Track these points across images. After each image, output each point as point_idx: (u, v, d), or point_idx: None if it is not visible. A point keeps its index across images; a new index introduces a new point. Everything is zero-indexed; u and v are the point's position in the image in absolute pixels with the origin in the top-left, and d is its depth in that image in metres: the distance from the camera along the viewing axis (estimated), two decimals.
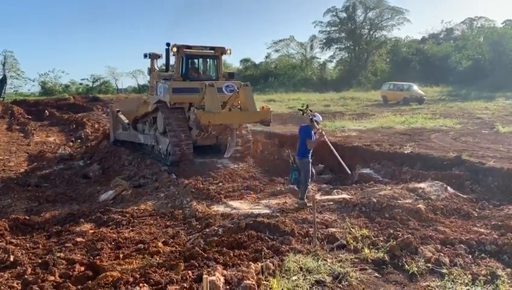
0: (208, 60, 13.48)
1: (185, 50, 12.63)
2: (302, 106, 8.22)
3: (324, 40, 63.30)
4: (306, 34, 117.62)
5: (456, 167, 9.19)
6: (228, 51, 13.18)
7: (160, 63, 14.14)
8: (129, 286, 4.44)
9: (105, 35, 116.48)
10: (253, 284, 4.15)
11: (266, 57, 69.46)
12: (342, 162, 8.08)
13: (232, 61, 66.13)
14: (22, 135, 22.17)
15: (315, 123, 7.73)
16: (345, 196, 8.04)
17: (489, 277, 4.44)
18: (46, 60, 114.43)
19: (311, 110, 8.03)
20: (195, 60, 13.41)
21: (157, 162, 12.53)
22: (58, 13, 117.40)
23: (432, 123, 17.20)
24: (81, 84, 64.70)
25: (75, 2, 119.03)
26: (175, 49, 12.48)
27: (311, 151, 7.68)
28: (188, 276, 4.53)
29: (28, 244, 6.46)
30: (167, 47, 12.67)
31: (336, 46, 63.09)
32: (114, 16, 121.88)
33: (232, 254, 5.20)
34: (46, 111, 31.95)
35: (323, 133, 7.90)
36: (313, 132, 7.73)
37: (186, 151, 11.84)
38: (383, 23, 60.26)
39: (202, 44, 13.00)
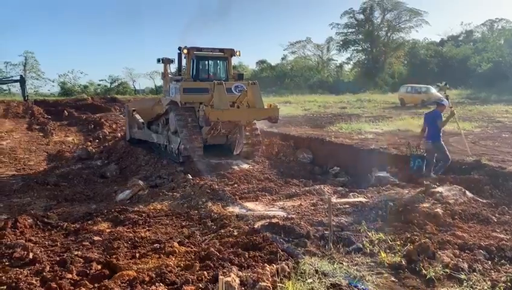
0: (218, 61, 13.86)
1: (195, 52, 13.07)
2: (441, 83, 9.14)
3: (341, 42, 63.02)
4: (323, 36, 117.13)
5: (475, 171, 9.03)
6: (237, 53, 13.56)
7: (173, 67, 14.64)
8: (145, 285, 4.47)
9: (124, 36, 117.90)
10: (269, 286, 4.14)
11: (282, 59, 69.52)
12: (465, 142, 9.47)
13: (248, 62, 66.46)
14: (42, 134, 22.58)
15: (445, 105, 9.01)
16: (361, 199, 7.97)
17: (509, 284, 4.35)
18: (65, 61, 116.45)
19: (448, 88, 8.75)
20: (205, 62, 13.80)
21: (173, 162, 12.66)
22: (78, 15, 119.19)
23: (450, 126, 16.91)
24: (99, 85, 65.72)
25: (94, 4, 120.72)
26: (185, 51, 12.93)
27: (441, 134, 8.73)
28: (203, 276, 4.54)
29: (46, 242, 6.55)
30: (179, 51, 13.12)
31: (352, 47, 62.77)
32: (132, 17, 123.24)
33: (247, 255, 5.19)
34: (65, 111, 32.48)
35: (455, 111, 9.21)
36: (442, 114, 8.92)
37: (197, 149, 12.15)
38: (401, 25, 59.67)
39: (212, 46, 13.43)
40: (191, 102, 12.70)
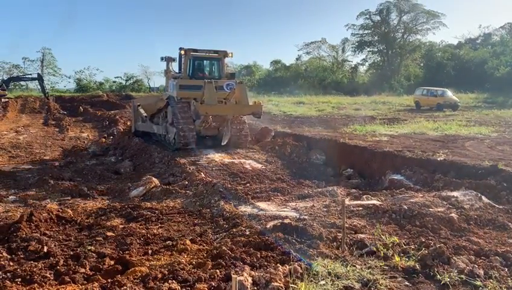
0: (213, 61, 15.50)
1: (192, 53, 14.72)
2: None
3: (356, 43, 62.72)
4: (338, 37, 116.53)
5: (491, 176, 8.88)
6: (230, 54, 15.21)
7: (175, 66, 15.90)
8: (157, 282, 4.48)
9: (139, 34, 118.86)
10: (281, 287, 4.12)
11: (297, 59, 69.40)
12: None
13: (262, 62, 66.52)
14: (57, 129, 22.91)
15: None
16: (374, 201, 7.89)
17: None
18: (81, 57, 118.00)
19: None
20: (201, 62, 15.46)
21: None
22: (94, 12, 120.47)
23: (467, 130, 16.71)
24: (114, 82, 66.39)
25: (111, 2, 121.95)
26: (183, 52, 14.58)
27: None
28: (215, 275, 4.53)
29: (60, 237, 6.61)
30: (179, 51, 14.68)
31: (368, 49, 62.48)
32: (148, 15, 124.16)
33: (259, 255, 5.17)
34: (81, 107, 32.94)
35: None
36: None
37: (189, 138, 13.73)
38: (418, 27, 59.19)
39: (208, 48, 15.26)
40: (186, 97, 14.12)
